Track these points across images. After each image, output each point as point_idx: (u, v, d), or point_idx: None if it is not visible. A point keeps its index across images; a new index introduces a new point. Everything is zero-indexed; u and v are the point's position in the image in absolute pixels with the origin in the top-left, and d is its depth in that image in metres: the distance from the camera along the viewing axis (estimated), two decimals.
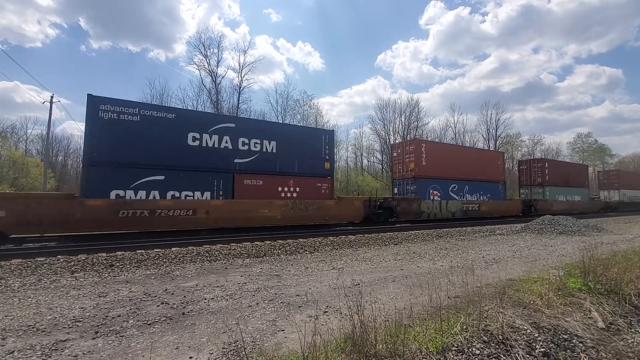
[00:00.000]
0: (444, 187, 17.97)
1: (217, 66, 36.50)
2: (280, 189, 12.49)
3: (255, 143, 12.24)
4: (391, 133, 44.83)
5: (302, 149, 13.33)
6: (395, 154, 19.07)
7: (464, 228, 13.60)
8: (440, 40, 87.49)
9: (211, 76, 36.11)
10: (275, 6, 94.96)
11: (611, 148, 63.88)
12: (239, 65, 37.35)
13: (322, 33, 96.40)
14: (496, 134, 50.03)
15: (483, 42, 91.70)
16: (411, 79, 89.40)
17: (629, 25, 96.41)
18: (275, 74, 67.45)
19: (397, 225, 15.00)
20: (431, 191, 17.40)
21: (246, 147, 12.04)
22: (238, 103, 36.35)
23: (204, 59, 35.85)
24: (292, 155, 13.01)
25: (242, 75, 36.96)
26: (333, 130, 16.13)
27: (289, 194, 12.63)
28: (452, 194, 18.34)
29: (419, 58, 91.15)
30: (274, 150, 12.63)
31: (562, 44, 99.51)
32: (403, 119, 45.67)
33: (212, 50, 36.32)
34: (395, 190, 18.46)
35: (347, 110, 77.40)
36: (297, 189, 12.83)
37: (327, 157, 14.01)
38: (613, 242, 9.36)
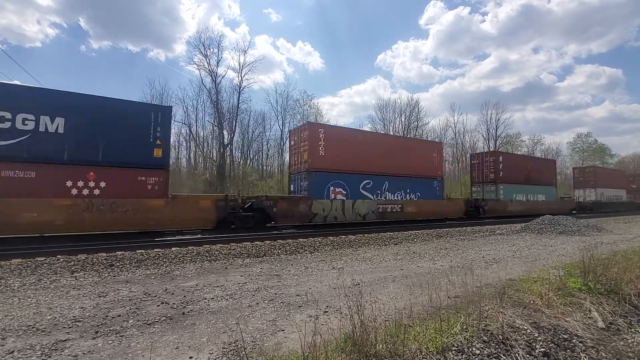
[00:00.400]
0: (352, 183, 14.60)
1: (217, 66, 36.40)
2: (70, 183, 9.16)
3: (25, 119, 8.77)
4: (391, 133, 44.83)
5: (114, 130, 9.85)
6: (292, 142, 15.42)
7: (464, 228, 13.61)
8: (440, 40, 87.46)
9: (211, 76, 36.08)
10: (275, 6, 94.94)
11: (611, 148, 63.91)
12: (239, 65, 37.29)
13: (322, 33, 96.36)
14: (496, 134, 50.04)
15: (483, 42, 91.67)
16: (411, 79, 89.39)
17: (629, 25, 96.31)
18: (275, 74, 67.42)
19: (387, 227, 14.44)
20: (332, 188, 14.01)
21: (6, 125, 8.53)
22: (238, 103, 36.31)
23: (203, 58, 35.79)
24: (95, 139, 9.61)
25: (242, 75, 36.91)
26: (170, 107, 11.80)
27: (85, 191, 9.31)
28: (364, 192, 14.98)
29: (419, 58, 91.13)
30: (61, 130, 9.20)
31: (562, 44, 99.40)
32: (403, 119, 45.74)
33: (212, 50, 36.27)
34: (292, 187, 15.18)
35: (347, 110, 77.39)
36: (103, 184, 9.55)
37: (158, 143, 10.55)
38: (613, 242, 9.36)
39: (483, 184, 21.78)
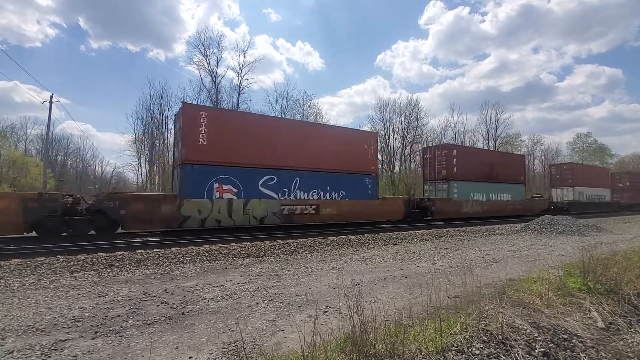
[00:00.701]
0: (247, 179, 11.92)
1: (217, 66, 36.39)
2: None
3: None
4: (391, 133, 44.77)
5: None
6: (176, 129, 13.05)
7: (464, 228, 13.61)
8: (439, 40, 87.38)
9: (211, 76, 36.09)
10: (275, 6, 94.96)
11: (611, 148, 63.80)
12: (239, 65, 37.25)
13: (321, 33, 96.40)
14: (496, 134, 50.03)
15: (483, 42, 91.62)
16: (411, 79, 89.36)
17: (629, 25, 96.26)
18: (275, 74, 67.40)
19: (384, 226, 14.03)
20: (217, 185, 11.37)
21: None
22: (238, 103, 36.30)
23: (203, 58, 35.78)
24: None
25: (242, 75, 36.87)
26: None
27: None
28: (264, 190, 12.29)
29: (419, 58, 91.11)
30: None
31: (561, 43, 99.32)
32: (403, 119, 45.57)
33: (211, 50, 36.26)
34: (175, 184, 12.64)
35: (346, 110, 77.37)
36: None
37: None
38: (612, 242, 9.37)
39: (435, 181, 19.18)
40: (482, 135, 50.47)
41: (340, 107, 77.41)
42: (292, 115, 39.79)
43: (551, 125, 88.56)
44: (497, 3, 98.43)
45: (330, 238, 9.97)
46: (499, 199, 20.76)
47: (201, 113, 11.49)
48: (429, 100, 78.80)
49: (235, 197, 11.72)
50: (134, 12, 67.39)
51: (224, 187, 11.58)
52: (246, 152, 12.03)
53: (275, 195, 12.58)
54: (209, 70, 35.92)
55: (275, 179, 12.64)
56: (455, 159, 18.76)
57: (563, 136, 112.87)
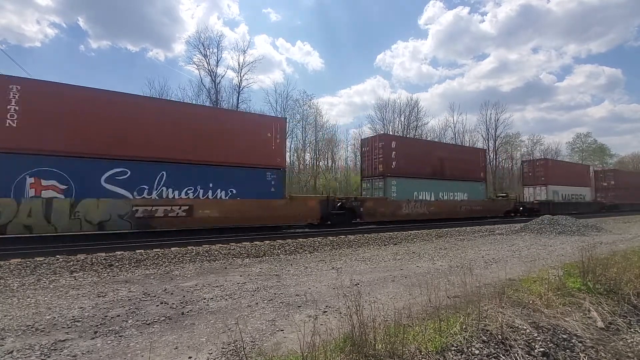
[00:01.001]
0: (82, 172, 9.38)
1: (217, 66, 36.42)
2: None
3: None
4: (391, 133, 44.81)
5: None
6: None
7: (464, 228, 13.61)
8: (439, 40, 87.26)
9: (210, 76, 36.11)
10: (275, 6, 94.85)
11: (611, 148, 63.78)
12: (239, 64, 37.30)
13: (321, 33, 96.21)
14: (495, 134, 50.06)
15: (482, 42, 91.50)
16: (410, 79, 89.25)
17: (628, 25, 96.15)
18: (274, 74, 67.33)
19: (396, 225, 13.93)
20: (33, 180, 8.81)
21: None
22: (237, 103, 36.33)
23: (203, 58, 35.81)
24: None
25: (242, 75, 36.90)
26: None
27: None
28: (108, 187, 9.77)
29: (418, 58, 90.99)
30: None
31: (561, 43, 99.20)
32: (402, 119, 45.67)
33: (211, 49, 36.29)
34: None
35: (346, 110, 77.30)
36: None
37: None
38: (612, 242, 9.37)
39: (372, 178, 16.49)
40: (482, 135, 50.52)
41: (340, 107, 77.38)
42: (292, 115, 39.80)
43: (551, 125, 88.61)
44: (497, 3, 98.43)
45: (330, 238, 9.97)
46: (451, 198, 18.04)
47: (11, 86, 8.71)
48: (429, 101, 78.73)
49: (61, 196, 9.06)
50: (133, 12, 67.29)
51: (45, 182, 8.93)
52: (81, 137, 9.46)
53: (128, 194, 10.04)
54: (208, 70, 35.97)
55: (129, 173, 10.08)
56: (394, 152, 15.84)
57: (563, 136, 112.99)
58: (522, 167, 27.55)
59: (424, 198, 16.87)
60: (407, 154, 16.67)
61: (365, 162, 17.28)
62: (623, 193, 30.91)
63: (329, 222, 13.85)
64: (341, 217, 14.08)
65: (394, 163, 15.95)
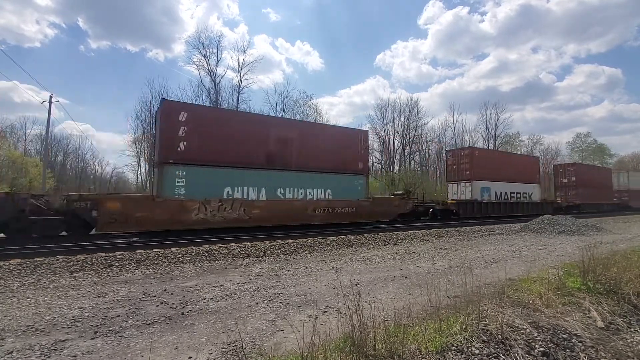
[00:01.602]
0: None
1: (217, 66, 36.50)
2: None
3: None
4: (390, 133, 44.92)
5: None
6: None
7: (464, 228, 13.61)
8: (439, 40, 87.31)
9: (210, 76, 36.17)
10: (274, 6, 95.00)
11: (611, 148, 63.66)
12: (238, 65, 37.37)
13: (321, 33, 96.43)
14: (495, 134, 50.08)
15: (482, 41, 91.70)
16: (410, 79, 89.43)
17: (628, 25, 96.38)
18: (274, 74, 67.49)
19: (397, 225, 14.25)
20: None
21: None
22: (237, 103, 36.37)
23: (203, 58, 35.87)
24: None
25: (242, 75, 36.97)
26: None
27: None
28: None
29: (418, 58, 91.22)
30: None
31: (561, 43, 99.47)
32: (402, 119, 45.71)
33: (211, 50, 36.36)
34: None
35: (346, 110, 77.45)
36: None
37: None
38: (612, 242, 9.37)
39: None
40: (482, 135, 50.57)
41: (340, 107, 77.51)
42: (292, 115, 39.70)
43: (551, 125, 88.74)
44: (497, 3, 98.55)
45: (330, 238, 9.96)
46: (300, 197, 12.63)
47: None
48: (429, 100, 78.85)
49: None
50: (133, 12, 67.35)
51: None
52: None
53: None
54: (208, 70, 36.02)
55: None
56: (184, 128, 10.30)
57: (563, 136, 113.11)
58: (446, 159, 22.08)
59: (244, 197, 11.44)
60: (205, 131, 10.71)
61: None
62: (587, 192, 26.01)
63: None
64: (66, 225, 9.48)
65: (183, 144, 10.27)
